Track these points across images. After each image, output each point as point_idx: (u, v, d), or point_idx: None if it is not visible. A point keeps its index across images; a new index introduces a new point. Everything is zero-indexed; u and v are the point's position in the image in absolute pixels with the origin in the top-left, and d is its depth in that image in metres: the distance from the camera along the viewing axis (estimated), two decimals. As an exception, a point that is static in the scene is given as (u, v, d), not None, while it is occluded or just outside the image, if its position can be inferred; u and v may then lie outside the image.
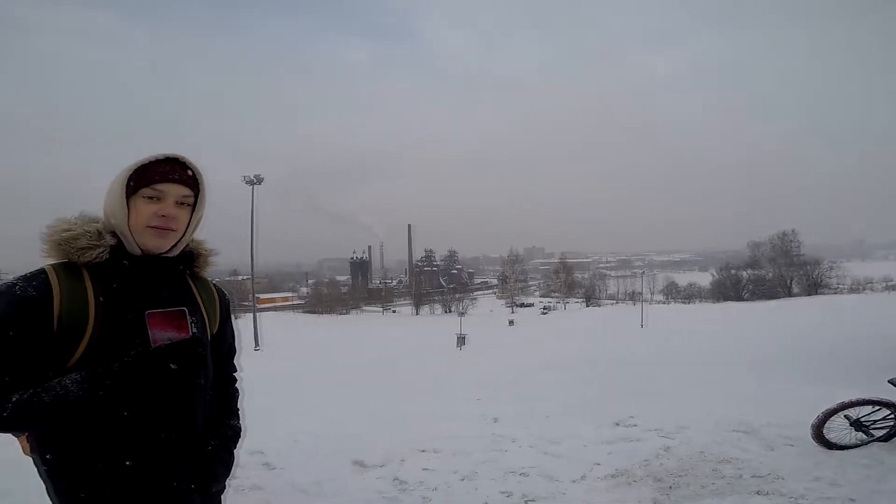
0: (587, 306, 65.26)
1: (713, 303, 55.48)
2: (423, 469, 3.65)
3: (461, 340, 19.85)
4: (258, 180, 32.06)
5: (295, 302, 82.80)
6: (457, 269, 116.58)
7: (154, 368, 0.99)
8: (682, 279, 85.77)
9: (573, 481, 3.37)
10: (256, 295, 38.46)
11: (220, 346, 1.31)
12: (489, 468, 3.66)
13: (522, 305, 70.57)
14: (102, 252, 1.06)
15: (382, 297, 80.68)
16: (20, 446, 1.29)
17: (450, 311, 64.41)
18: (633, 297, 76.31)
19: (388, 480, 3.43)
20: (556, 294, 74.84)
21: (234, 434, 1.32)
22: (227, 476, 1.27)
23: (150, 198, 1.08)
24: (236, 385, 1.39)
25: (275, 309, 72.22)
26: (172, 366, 0.99)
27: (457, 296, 69.55)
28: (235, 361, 1.40)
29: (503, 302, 75.00)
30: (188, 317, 1.07)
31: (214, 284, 1.31)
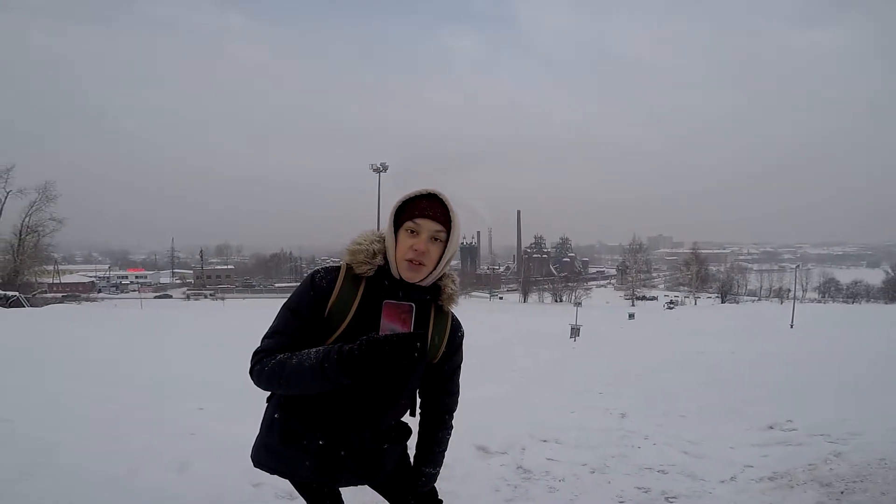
0: (722, 302, 58.47)
1: (885, 304, 46.29)
2: (547, 459, 3.52)
3: (575, 331, 19.03)
4: (384, 168, 33.73)
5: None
6: (569, 256, 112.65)
7: (368, 353, 1.10)
8: (845, 276, 73.03)
9: (721, 481, 3.02)
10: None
11: (440, 373, 1.42)
12: (620, 463, 3.44)
13: (644, 298, 65.62)
14: (370, 269, 1.28)
15: (490, 283, 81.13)
16: None
17: (560, 301, 62.56)
18: (780, 293, 66.97)
19: (512, 468, 3.35)
20: (685, 288, 68.29)
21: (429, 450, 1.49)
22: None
23: (411, 231, 1.25)
24: (452, 409, 1.51)
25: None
26: (384, 352, 1.10)
27: (569, 285, 67.11)
28: None
29: (622, 294, 70.14)
30: (413, 313, 1.14)
31: (454, 319, 1.42)
